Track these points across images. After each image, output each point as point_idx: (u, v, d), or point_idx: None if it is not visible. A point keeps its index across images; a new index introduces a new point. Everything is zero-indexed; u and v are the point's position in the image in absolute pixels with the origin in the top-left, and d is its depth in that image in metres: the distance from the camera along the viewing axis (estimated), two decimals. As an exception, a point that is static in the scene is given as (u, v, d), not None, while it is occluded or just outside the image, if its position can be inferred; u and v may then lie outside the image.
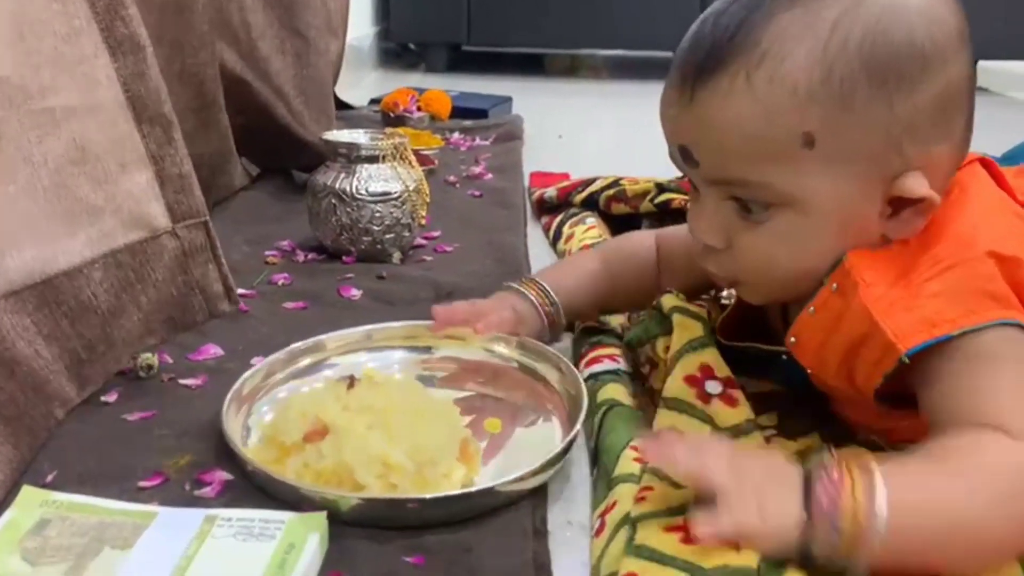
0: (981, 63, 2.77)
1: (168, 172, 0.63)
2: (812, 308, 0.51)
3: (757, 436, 0.54)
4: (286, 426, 0.53)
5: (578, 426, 0.55)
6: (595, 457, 0.57)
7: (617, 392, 0.61)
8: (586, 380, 0.63)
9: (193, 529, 0.45)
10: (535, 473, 0.52)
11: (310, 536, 0.45)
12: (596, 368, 0.65)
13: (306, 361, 0.66)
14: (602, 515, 0.49)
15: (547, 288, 0.70)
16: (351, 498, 0.49)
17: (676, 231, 0.71)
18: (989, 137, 0.88)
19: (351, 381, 0.57)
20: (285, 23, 1.08)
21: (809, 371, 0.55)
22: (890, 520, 0.41)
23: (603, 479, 0.53)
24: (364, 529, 0.48)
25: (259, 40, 1.03)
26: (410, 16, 2.63)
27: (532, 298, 0.69)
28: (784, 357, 0.57)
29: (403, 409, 0.54)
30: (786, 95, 0.47)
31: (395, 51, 2.96)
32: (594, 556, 0.47)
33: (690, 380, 0.58)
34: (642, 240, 0.75)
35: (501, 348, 0.67)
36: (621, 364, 0.66)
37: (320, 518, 0.47)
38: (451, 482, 0.52)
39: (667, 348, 0.61)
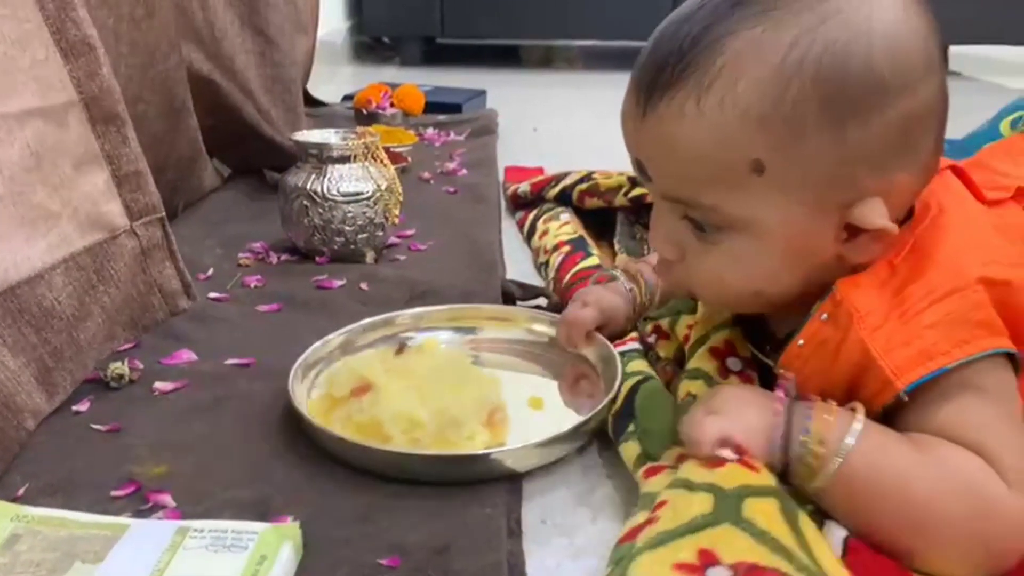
0: (953, 48, 2.81)
1: (124, 171, 0.63)
2: (801, 341, 0.50)
3: None
4: (338, 381, 0.60)
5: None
6: (617, 423, 0.57)
7: (643, 366, 0.63)
8: None
9: (165, 541, 0.45)
10: (516, 449, 0.54)
11: (283, 545, 0.45)
12: (621, 348, 0.66)
13: (366, 340, 0.71)
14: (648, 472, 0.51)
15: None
16: (374, 448, 0.54)
17: None
18: (962, 122, 0.89)
19: (400, 347, 0.66)
20: (246, 21, 1.06)
21: None
22: (853, 453, 0.45)
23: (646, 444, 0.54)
24: (339, 534, 0.48)
25: (222, 39, 1.02)
26: (383, 10, 2.62)
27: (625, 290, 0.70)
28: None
29: (439, 376, 0.60)
30: (736, 120, 0.46)
31: (369, 45, 2.95)
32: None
33: (715, 352, 0.59)
34: None
35: (541, 327, 0.72)
36: (639, 345, 0.67)
37: (294, 528, 0.47)
38: (473, 444, 0.56)
39: (689, 326, 0.63)
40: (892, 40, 0.45)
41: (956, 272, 0.47)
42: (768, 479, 0.45)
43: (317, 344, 0.66)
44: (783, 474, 0.47)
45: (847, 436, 0.45)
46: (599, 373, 0.65)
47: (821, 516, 0.46)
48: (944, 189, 0.52)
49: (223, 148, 1.15)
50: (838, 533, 0.45)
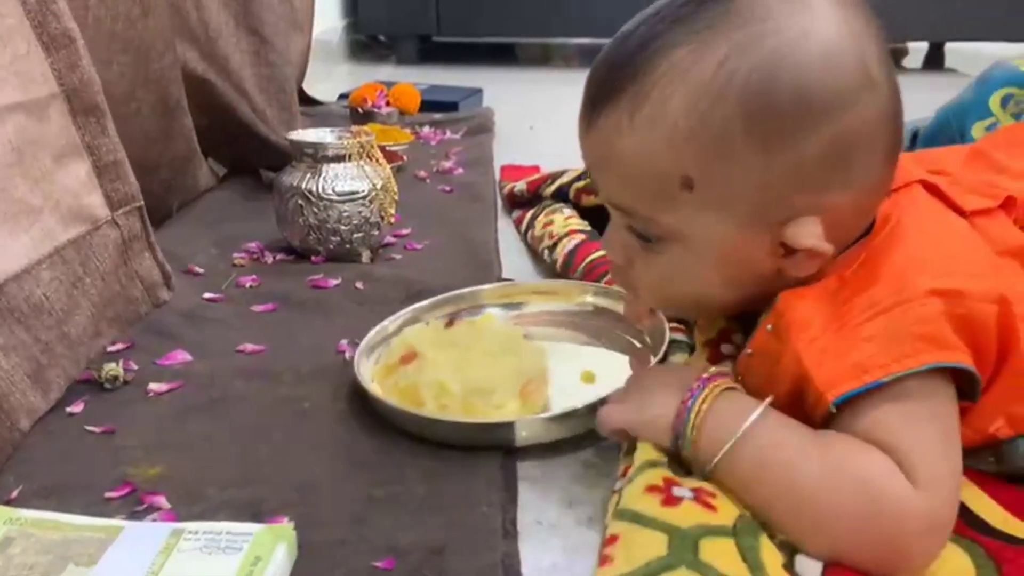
0: (949, 45, 2.81)
1: (104, 161, 0.63)
2: (750, 351, 0.51)
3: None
4: (392, 351, 0.66)
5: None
6: None
7: (681, 359, 0.63)
8: None
9: (159, 543, 0.45)
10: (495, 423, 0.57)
11: (277, 546, 0.44)
12: (674, 336, 0.66)
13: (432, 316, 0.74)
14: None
15: None
16: (410, 413, 0.58)
17: None
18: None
19: (450, 320, 0.69)
20: (241, 21, 1.06)
21: None
22: (741, 443, 0.46)
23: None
24: (334, 535, 0.48)
25: (217, 39, 1.02)
26: (379, 8, 2.61)
27: None
28: None
29: (481, 347, 0.63)
30: (665, 136, 0.46)
31: (365, 43, 2.94)
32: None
33: (710, 343, 0.61)
34: None
35: (590, 298, 0.75)
36: (687, 338, 0.67)
37: (288, 529, 0.46)
38: (501, 412, 0.58)
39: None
40: (824, 60, 0.44)
41: (902, 285, 0.46)
42: (726, 518, 0.44)
43: (378, 327, 0.70)
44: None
45: (738, 425, 0.46)
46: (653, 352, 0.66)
47: (790, 546, 0.45)
48: (910, 202, 0.51)
49: (218, 147, 1.14)
50: (813, 565, 0.44)
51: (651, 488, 0.46)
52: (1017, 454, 0.50)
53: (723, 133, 0.45)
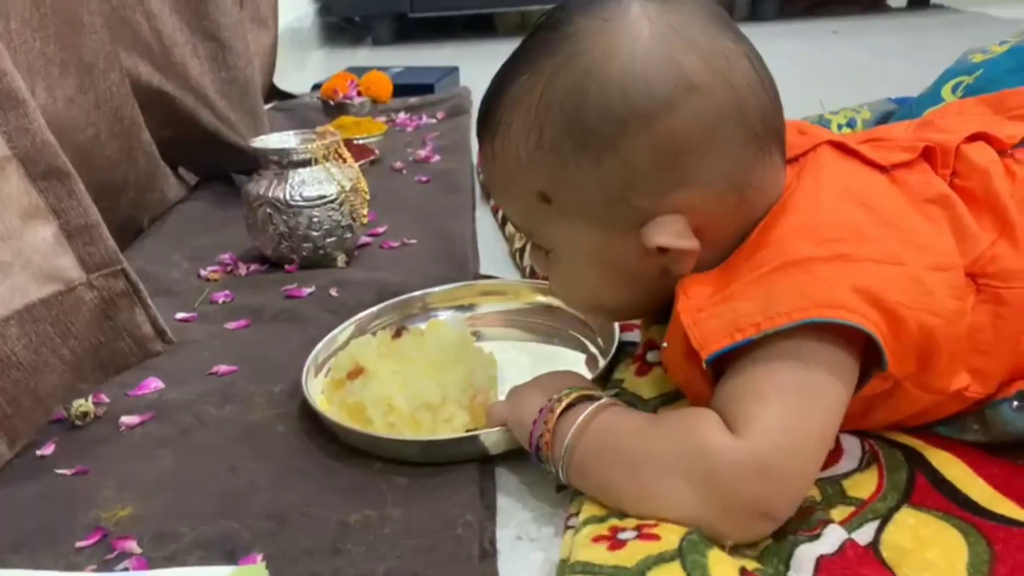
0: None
1: (74, 224, 0.61)
2: (665, 343, 0.52)
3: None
4: (339, 365, 0.63)
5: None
6: None
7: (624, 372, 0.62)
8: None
9: (126, 597, 0.44)
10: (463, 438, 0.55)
11: (246, 591, 0.44)
12: (628, 335, 0.66)
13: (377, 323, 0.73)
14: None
15: None
16: (357, 432, 0.56)
17: None
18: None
19: (398, 331, 0.66)
20: (195, 27, 1.03)
21: None
22: (574, 447, 0.48)
23: None
24: (309, 569, 0.47)
25: (172, 48, 0.99)
26: (349, -12, 2.57)
27: None
28: None
29: (429, 359, 0.61)
30: (514, 160, 0.51)
31: (339, 26, 2.90)
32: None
33: (637, 358, 0.61)
34: None
35: (540, 297, 0.74)
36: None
37: (260, 569, 0.45)
38: (450, 427, 0.57)
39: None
40: (627, 75, 0.47)
41: (784, 249, 0.46)
42: (670, 542, 0.44)
43: (325, 339, 0.68)
44: None
45: (571, 430, 0.48)
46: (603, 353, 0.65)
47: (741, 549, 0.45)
48: (812, 166, 0.51)
49: (186, 157, 1.12)
50: (807, 563, 0.43)
51: (597, 538, 0.45)
52: (1000, 419, 0.49)
53: (555, 150, 0.49)
